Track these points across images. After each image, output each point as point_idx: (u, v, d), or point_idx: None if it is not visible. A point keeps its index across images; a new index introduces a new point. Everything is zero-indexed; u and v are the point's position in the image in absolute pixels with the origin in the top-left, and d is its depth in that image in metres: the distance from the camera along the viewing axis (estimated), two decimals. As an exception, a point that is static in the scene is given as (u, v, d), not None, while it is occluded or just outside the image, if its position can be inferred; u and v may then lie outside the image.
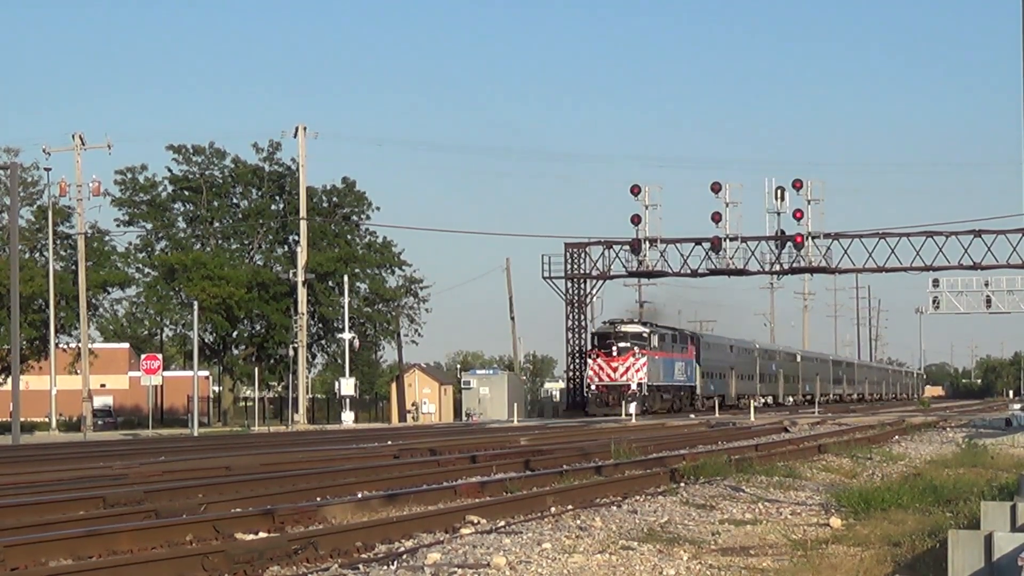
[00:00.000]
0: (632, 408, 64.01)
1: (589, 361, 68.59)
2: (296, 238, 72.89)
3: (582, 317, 73.92)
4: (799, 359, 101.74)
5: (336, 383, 70.54)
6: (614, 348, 66.57)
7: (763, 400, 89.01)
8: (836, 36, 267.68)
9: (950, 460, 24.81)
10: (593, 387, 67.32)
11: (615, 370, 66.24)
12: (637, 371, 66.20)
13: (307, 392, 72.23)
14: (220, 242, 79.91)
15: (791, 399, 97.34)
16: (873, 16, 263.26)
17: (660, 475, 20.32)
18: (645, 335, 68.44)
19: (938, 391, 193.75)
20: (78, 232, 66.80)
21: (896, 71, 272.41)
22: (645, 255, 70.71)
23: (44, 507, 14.91)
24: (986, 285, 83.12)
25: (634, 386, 65.70)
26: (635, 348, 66.70)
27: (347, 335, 67.81)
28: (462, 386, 75.02)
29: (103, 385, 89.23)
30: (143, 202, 77.87)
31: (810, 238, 68.70)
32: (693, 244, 71.03)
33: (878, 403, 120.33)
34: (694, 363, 76.00)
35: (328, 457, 25.40)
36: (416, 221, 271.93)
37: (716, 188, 68.54)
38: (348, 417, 65.45)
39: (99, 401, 77.79)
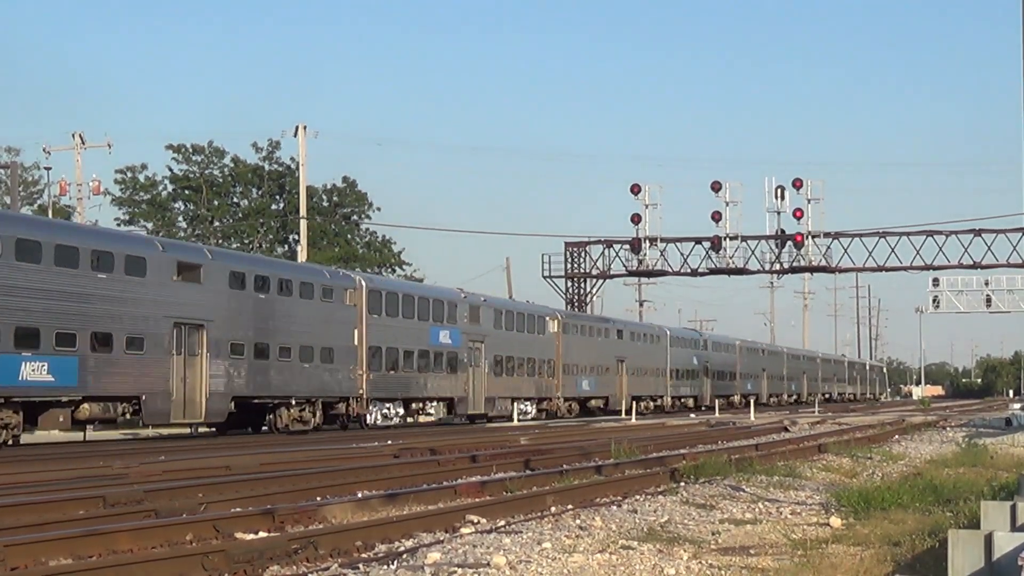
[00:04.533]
0: None
1: None
2: (296, 237, 72.90)
3: (581, 316, 73.46)
4: (506, 328, 54.15)
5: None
6: None
7: (394, 413, 45.04)
8: (836, 36, 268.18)
9: (950, 460, 24.82)
10: None
11: None
12: None
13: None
14: (220, 241, 79.93)
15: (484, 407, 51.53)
16: (873, 16, 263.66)
17: (660, 475, 20.33)
18: None
19: (937, 390, 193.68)
20: (78, 231, 66.80)
21: (896, 71, 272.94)
22: (645, 254, 70.82)
23: (44, 507, 14.90)
24: (986, 284, 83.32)
25: None
26: None
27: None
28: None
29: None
30: (143, 201, 77.92)
31: (810, 237, 68.79)
32: (693, 243, 71.15)
33: (800, 407, 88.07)
34: None
35: (328, 457, 25.39)
36: (416, 221, 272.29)
37: (716, 187, 68.66)
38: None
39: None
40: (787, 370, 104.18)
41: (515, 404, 54.33)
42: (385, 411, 44.91)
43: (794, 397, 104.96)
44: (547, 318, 59.54)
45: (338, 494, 17.11)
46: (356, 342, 43.04)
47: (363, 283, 44.53)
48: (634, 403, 65.82)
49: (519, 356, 55.29)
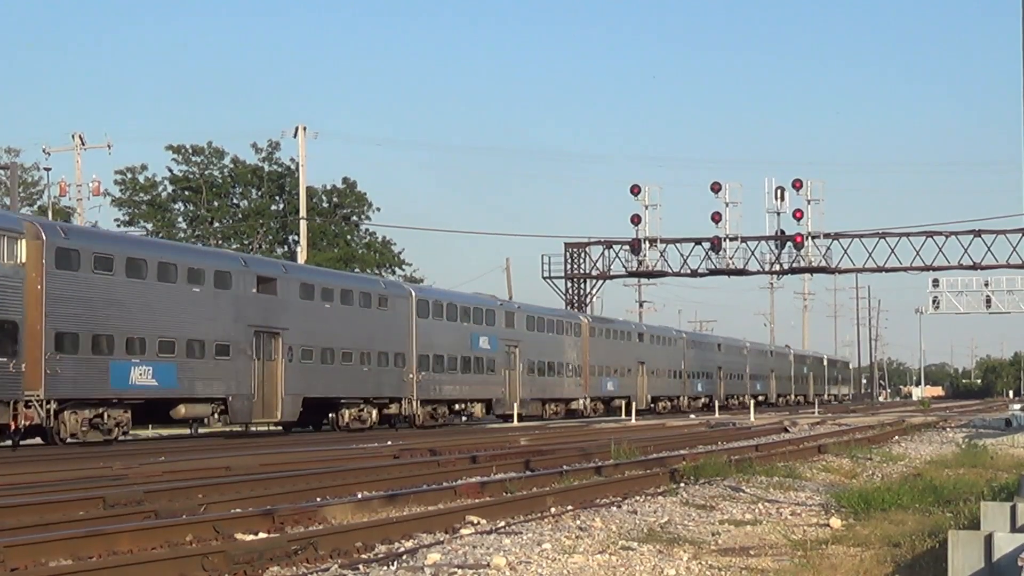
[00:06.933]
0: None
1: None
2: (296, 238, 72.95)
3: (582, 317, 72.36)
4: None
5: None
6: None
7: None
8: (836, 37, 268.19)
9: (950, 460, 24.84)
10: None
11: None
12: None
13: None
14: (220, 242, 79.98)
15: None
16: (873, 16, 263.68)
17: (660, 475, 20.33)
18: None
19: (937, 391, 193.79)
20: (78, 232, 66.78)
21: (896, 71, 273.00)
22: (645, 255, 70.87)
23: (44, 507, 14.90)
24: (986, 285, 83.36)
25: None
26: None
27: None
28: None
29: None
30: (143, 202, 77.98)
31: (810, 238, 68.86)
32: (693, 244, 71.20)
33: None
34: None
35: (328, 457, 25.40)
36: (416, 221, 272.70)
37: (716, 188, 68.73)
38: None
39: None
40: (689, 363, 77.14)
41: None
42: None
43: (703, 401, 78.82)
44: None
45: (338, 495, 17.10)
46: None
47: None
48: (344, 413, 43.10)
49: None
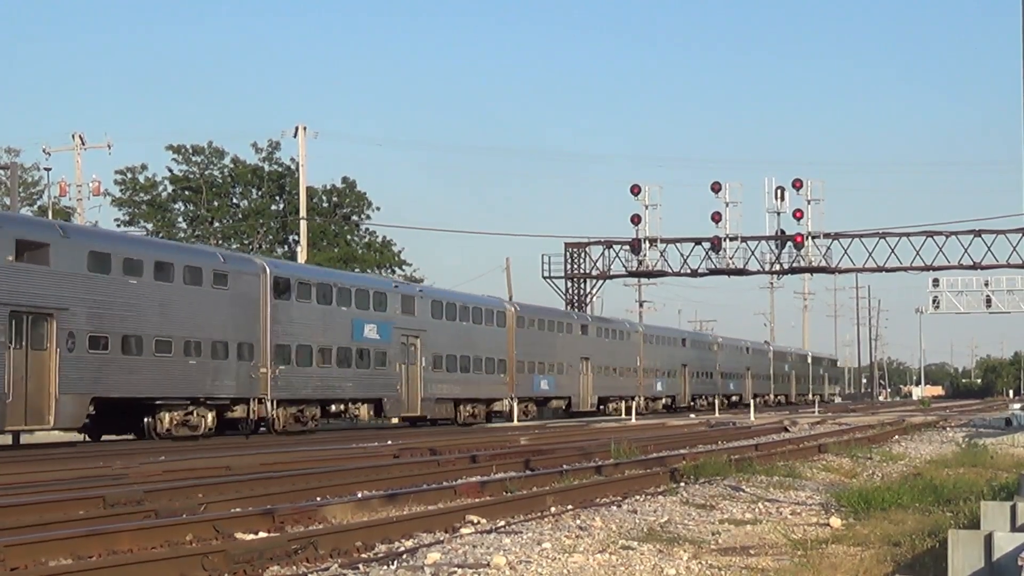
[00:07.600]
0: None
1: None
2: (296, 238, 72.96)
3: (582, 317, 71.94)
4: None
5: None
6: None
7: None
8: (836, 37, 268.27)
9: (950, 460, 24.84)
10: None
11: None
12: None
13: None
14: (220, 242, 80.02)
15: None
16: (873, 17, 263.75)
17: (660, 475, 20.33)
18: None
19: (937, 391, 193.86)
20: (78, 232, 66.70)
21: (897, 71, 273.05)
22: (645, 255, 70.87)
23: (44, 507, 14.90)
24: (986, 285, 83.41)
25: None
26: None
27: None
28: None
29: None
30: (143, 202, 77.99)
31: (810, 238, 68.87)
32: (693, 244, 71.20)
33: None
34: None
35: (328, 457, 25.40)
36: (416, 221, 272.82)
37: (716, 188, 68.74)
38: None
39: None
40: (647, 360, 68.13)
41: None
42: None
43: (663, 401, 71.19)
44: None
45: (338, 494, 17.10)
46: None
47: None
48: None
49: None
